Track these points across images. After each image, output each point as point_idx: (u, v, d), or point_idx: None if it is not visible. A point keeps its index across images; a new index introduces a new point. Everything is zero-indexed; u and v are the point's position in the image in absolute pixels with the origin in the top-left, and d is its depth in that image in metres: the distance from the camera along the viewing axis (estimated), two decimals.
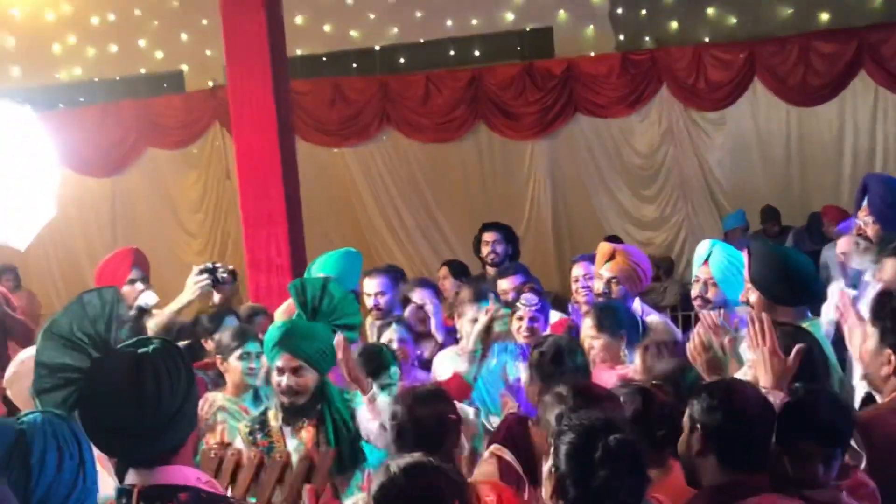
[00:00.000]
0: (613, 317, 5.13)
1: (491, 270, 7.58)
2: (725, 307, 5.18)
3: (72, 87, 14.51)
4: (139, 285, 6.36)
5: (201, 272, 5.98)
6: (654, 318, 5.60)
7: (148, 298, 6.08)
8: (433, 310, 6.26)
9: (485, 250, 7.77)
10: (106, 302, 2.72)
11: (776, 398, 3.28)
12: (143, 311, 6.02)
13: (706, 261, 5.24)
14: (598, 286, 5.63)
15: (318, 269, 6.01)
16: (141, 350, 2.65)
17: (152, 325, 5.83)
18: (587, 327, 5.11)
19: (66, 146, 11.60)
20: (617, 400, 3.38)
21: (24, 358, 4.05)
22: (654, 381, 3.79)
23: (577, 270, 6.39)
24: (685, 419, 3.16)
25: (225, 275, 6.07)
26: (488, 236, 7.79)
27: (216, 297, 6.45)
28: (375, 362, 5.08)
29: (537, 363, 4.33)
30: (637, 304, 5.64)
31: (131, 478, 2.64)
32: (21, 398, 4.01)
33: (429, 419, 3.69)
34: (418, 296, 6.32)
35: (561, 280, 12.46)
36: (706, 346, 3.93)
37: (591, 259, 6.32)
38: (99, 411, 2.60)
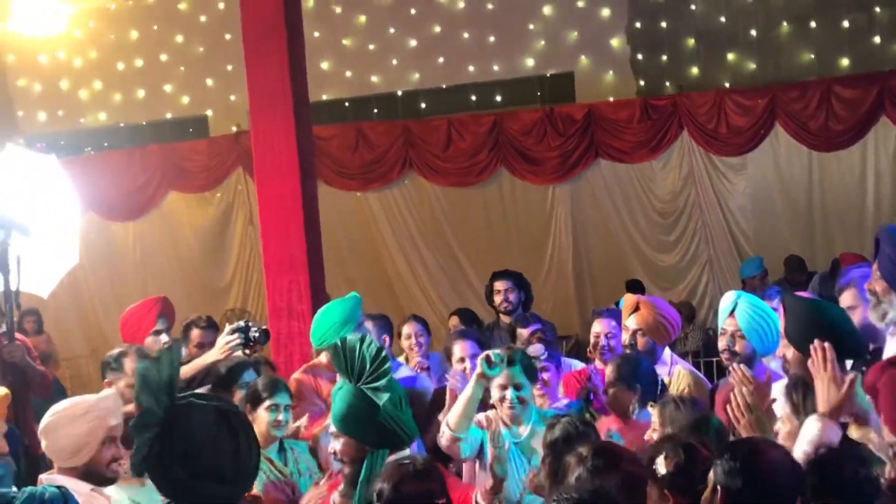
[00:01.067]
0: (633, 369, 5.09)
1: (506, 319, 7.55)
2: (753, 359, 5.13)
3: (98, 131, 14.68)
4: (164, 337, 6.34)
5: (233, 331, 5.89)
6: (682, 368, 5.56)
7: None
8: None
9: (497, 299, 7.74)
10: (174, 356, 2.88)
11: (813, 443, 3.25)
12: None
13: (731, 312, 5.18)
14: (624, 338, 5.60)
15: (327, 317, 5.99)
16: (215, 403, 2.85)
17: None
18: (606, 374, 5.08)
19: (91, 191, 11.74)
20: (638, 461, 3.31)
21: (58, 410, 4.05)
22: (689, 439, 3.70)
23: (597, 327, 6.27)
24: (709, 477, 3.10)
25: (257, 334, 5.90)
26: (500, 285, 7.77)
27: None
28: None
29: (550, 444, 4.20)
30: (667, 354, 5.60)
31: None
32: (54, 449, 4.00)
33: (415, 498, 3.57)
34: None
35: (582, 324, 12.44)
36: (750, 407, 3.88)
37: (612, 314, 6.25)
38: (194, 459, 2.73)
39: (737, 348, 5.13)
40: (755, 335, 5.10)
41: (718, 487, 3.04)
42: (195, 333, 6.70)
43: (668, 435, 3.62)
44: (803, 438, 3.50)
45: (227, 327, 5.95)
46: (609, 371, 5.11)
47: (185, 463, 2.72)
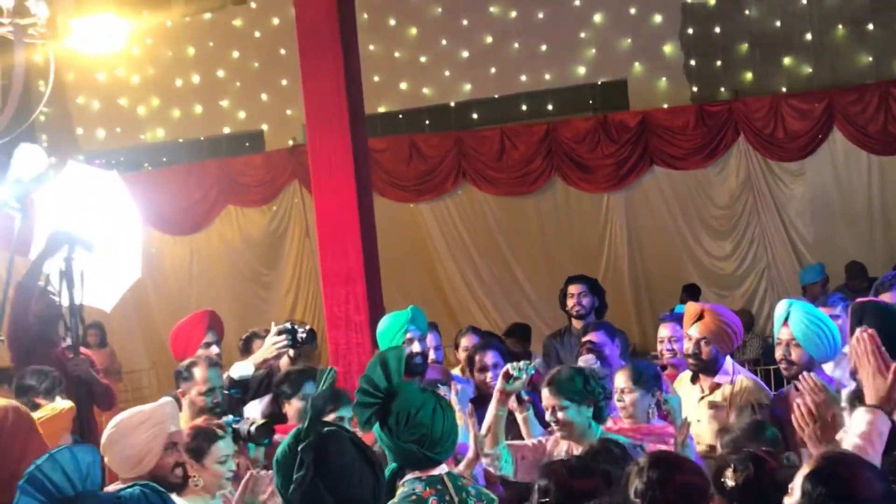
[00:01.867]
0: (652, 373, 5.08)
1: (577, 323, 7.52)
2: (812, 367, 5.06)
3: (156, 147, 14.90)
4: (214, 349, 6.40)
5: (280, 332, 5.96)
6: (744, 377, 5.52)
7: (243, 370, 5.88)
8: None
9: (570, 303, 7.65)
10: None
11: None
12: (236, 383, 5.86)
13: (785, 321, 5.14)
14: (688, 346, 5.55)
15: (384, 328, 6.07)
16: (348, 434, 2.97)
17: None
18: (622, 380, 5.03)
19: (150, 206, 11.91)
20: (697, 471, 3.27)
21: (118, 421, 4.10)
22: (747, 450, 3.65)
23: (664, 331, 6.34)
24: (791, 486, 3.00)
25: (304, 335, 5.98)
26: (573, 288, 7.69)
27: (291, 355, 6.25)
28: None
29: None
30: (728, 363, 5.56)
31: None
32: (118, 461, 4.04)
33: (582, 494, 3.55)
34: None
35: (640, 333, 12.38)
36: (815, 415, 3.83)
37: (677, 319, 6.22)
38: (344, 487, 2.82)
39: (793, 357, 5.08)
40: (810, 343, 5.04)
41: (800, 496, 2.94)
42: (257, 345, 6.75)
43: (734, 445, 3.57)
44: (852, 431, 3.45)
45: (274, 328, 6.01)
46: (623, 377, 5.05)
47: (335, 490, 2.80)
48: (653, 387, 5.00)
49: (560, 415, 4.67)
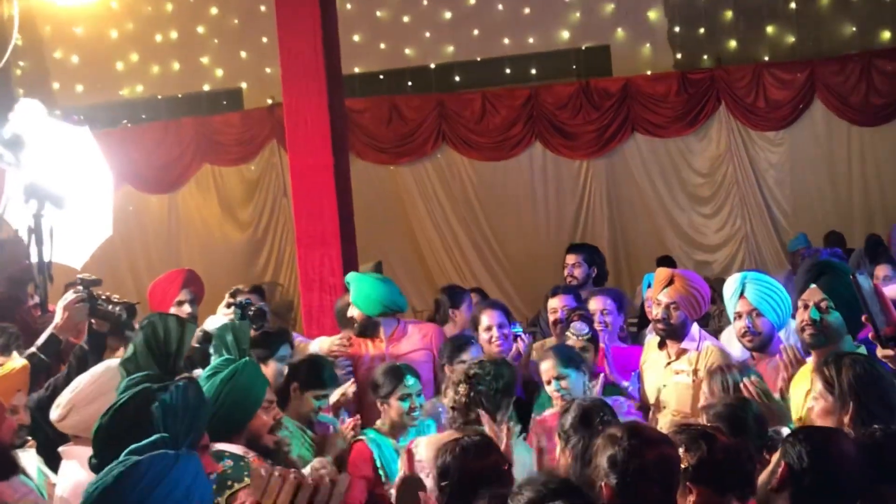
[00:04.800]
0: (573, 352, 5.12)
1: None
2: (773, 335, 5.07)
3: (135, 104, 14.73)
4: (187, 307, 6.33)
5: (228, 305, 5.89)
6: (710, 343, 5.50)
7: (217, 323, 5.86)
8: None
9: (564, 273, 7.47)
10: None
11: None
12: (210, 337, 5.86)
13: (742, 294, 5.13)
14: (657, 311, 5.52)
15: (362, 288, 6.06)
16: None
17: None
18: (548, 367, 5.02)
19: (127, 163, 11.80)
20: (672, 444, 3.24)
21: (86, 382, 4.00)
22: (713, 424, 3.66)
23: (594, 304, 6.29)
24: (774, 458, 3.13)
25: (252, 313, 5.69)
26: (568, 258, 7.47)
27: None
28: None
29: (568, 429, 4.06)
30: (695, 330, 5.54)
31: None
32: (85, 422, 3.91)
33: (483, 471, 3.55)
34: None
35: None
36: (764, 395, 3.85)
37: (606, 293, 6.35)
38: None
39: (758, 327, 5.06)
40: (770, 311, 5.04)
41: (783, 463, 3.09)
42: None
43: (682, 425, 3.54)
44: None
45: (226, 299, 5.94)
46: (550, 364, 5.05)
47: None
48: (581, 364, 5.03)
49: (564, 382, 4.88)
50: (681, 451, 3.20)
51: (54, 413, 3.99)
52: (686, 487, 3.17)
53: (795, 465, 3.04)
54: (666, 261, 11.62)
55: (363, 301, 6.05)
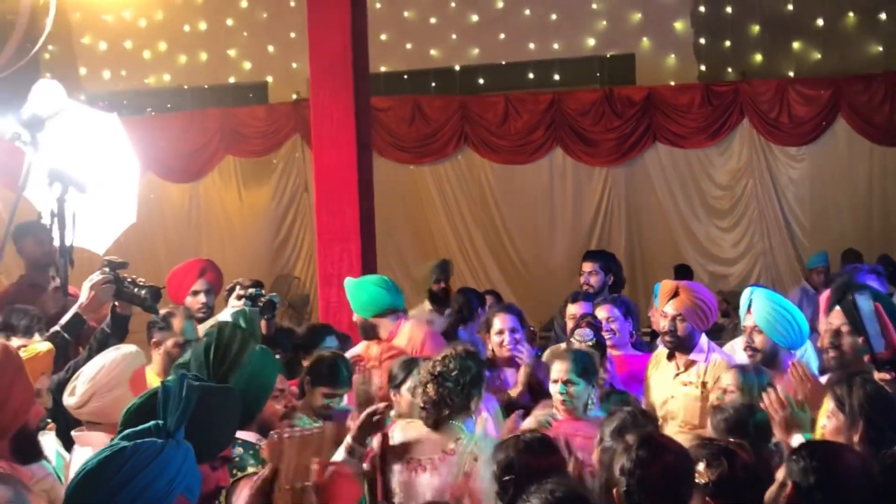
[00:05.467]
0: (591, 364, 5.01)
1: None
2: (777, 354, 5.08)
3: (160, 92, 14.80)
4: (202, 297, 6.37)
5: (239, 297, 5.91)
6: (719, 356, 5.51)
7: (227, 317, 5.87)
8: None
9: (581, 280, 7.48)
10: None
11: None
12: None
13: (749, 308, 5.16)
14: (664, 324, 5.53)
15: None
16: None
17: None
18: (562, 370, 4.93)
19: (151, 151, 11.87)
20: (685, 453, 3.25)
21: (101, 369, 4.02)
22: (731, 440, 3.65)
23: (601, 313, 6.27)
24: (779, 475, 3.08)
25: (261, 305, 5.85)
26: (586, 266, 7.48)
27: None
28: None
29: (605, 436, 4.13)
30: (704, 342, 5.55)
31: None
32: (109, 408, 3.92)
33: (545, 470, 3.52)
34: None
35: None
36: (784, 403, 3.86)
37: (611, 301, 6.35)
38: None
39: (756, 344, 5.08)
40: (773, 330, 5.03)
41: (790, 482, 3.02)
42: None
43: (705, 439, 3.56)
44: None
45: (238, 291, 5.97)
46: (563, 367, 5.01)
47: None
48: (593, 378, 4.96)
49: (571, 388, 4.82)
50: (701, 465, 3.22)
51: (70, 400, 4.00)
52: (705, 502, 3.19)
53: (802, 483, 2.98)
54: (683, 269, 11.66)
55: (356, 305, 6.17)
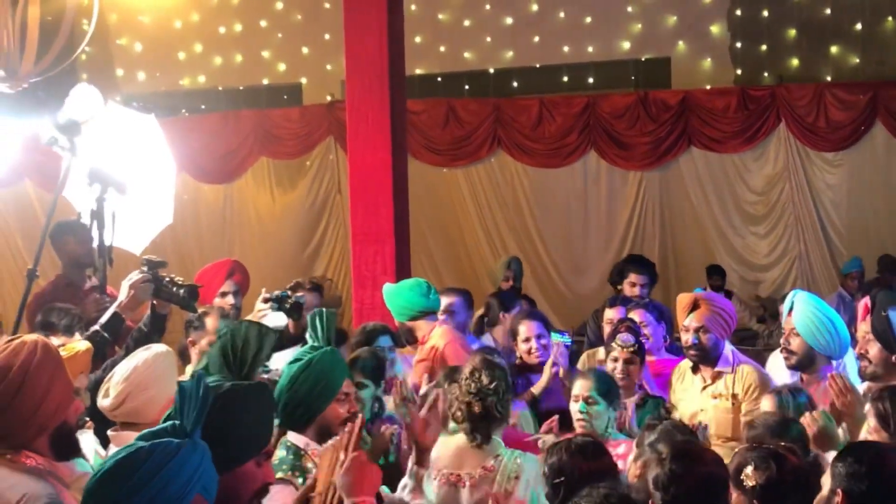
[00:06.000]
0: (614, 386, 4.95)
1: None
2: (814, 358, 5.04)
3: (195, 94, 14.90)
4: (230, 298, 6.39)
5: (266, 300, 5.92)
6: (746, 365, 5.47)
7: (276, 321, 5.80)
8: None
9: (629, 289, 7.34)
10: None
11: None
12: None
13: (790, 311, 5.13)
14: (687, 338, 5.46)
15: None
16: None
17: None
18: (583, 387, 4.86)
19: (185, 152, 11.93)
20: (720, 461, 3.24)
21: (136, 368, 4.01)
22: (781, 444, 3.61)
23: (633, 317, 6.15)
24: (825, 480, 3.03)
25: (289, 307, 5.87)
26: (636, 278, 7.38)
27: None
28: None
29: (644, 445, 4.06)
30: (728, 351, 5.50)
31: None
32: (148, 406, 3.94)
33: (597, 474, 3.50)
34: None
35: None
36: (818, 419, 3.84)
37: (642, 306, 6.31)
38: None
39: (793, 347, 5.07)
40: (810, 335, 5.00)
41: (839, 491, 2.97)
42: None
43: (755, 442, 3.52)
44: None
45: (263, 294, 5.98)
46: (586, 385, 4.92)
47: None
48: (615, 401, 4.88)
49: (592, 408, 4.77)
50: (749, 468, 3.20)
51: (105, 402, 4.01)
52: None
53: (855, 489, 2.93)
54: (715, 270, 11.61)
55: (393, 310, 6.28)
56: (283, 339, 5.91)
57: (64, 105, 5.48)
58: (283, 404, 3.76)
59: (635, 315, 6.22)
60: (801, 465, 3.21)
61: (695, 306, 5.46)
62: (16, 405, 3.14)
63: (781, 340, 5.19)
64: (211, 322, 5.45)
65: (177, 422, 2.49)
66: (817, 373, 5.03)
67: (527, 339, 6.00)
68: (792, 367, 5.13)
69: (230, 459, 2.69)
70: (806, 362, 5.06)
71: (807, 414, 3.97)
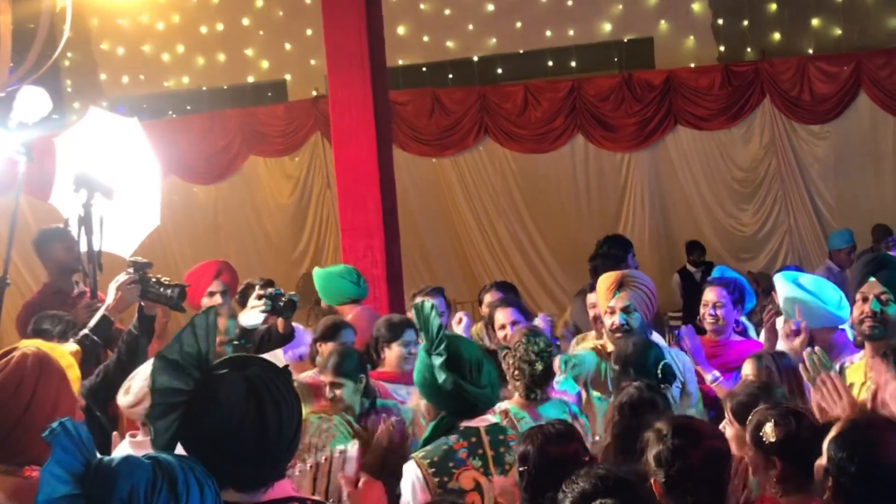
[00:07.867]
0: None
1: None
2: (819, 335, 4.99)
3: (180, 95, 14.88)
4: (218, 298, 6.38)
5: (260, 297, 5.92)
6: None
7: (253, 319, 5.80)
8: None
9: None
10: (209, 322, 2.57)
11: None
12: (247, 332, 5.84)
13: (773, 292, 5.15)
14: (615, 321, 5.15)
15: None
16: (249, 371, 2.50)
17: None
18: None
19: (173, 154, 11.93)
20: (721, 435, 3.24)
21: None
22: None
23: (709, 295, 5.88)
24: (819, 464, 2.93)
25: (283, 303, 5.82)
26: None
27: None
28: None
29: (618, 408, 4.05)
30: (657, 338, 5.36)
31: (234, 497, 2.47)
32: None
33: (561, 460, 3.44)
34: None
35: (660, 294, 12.34)
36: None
37: (724, 283, 5.90)
38: (215, 439, 2.43)
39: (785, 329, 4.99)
40: (795, 314, 4.94)
41: (830, 477, 2.87)
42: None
43: (744, 409, 3.54)
44: None
45: (257, 290, 5.98)
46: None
47: (207, 444, 2.44)
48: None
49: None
50: (769, 425, 3.24)
51: (125, 399, 3.98)
52: (770, 460, 3.22)
53: (844, 480, 2.81)
54: (695, 245, 11.65)
55: (323, 293, 6.67)
56: (272, 337, 5.93)
57: (12, 110, 5.46)
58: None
59: (711, 293, 5.89)
60: (821, 425, 3.21)
61: (621, 284, 5.33)
62: (26, 421, 2.99)
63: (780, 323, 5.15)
64: (219, 322, 5.45)
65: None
66: (829, 342, 4.96)
67: (502, 326, 5.94)
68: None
69: None
70: (811, 338, 5.01)
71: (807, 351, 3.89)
